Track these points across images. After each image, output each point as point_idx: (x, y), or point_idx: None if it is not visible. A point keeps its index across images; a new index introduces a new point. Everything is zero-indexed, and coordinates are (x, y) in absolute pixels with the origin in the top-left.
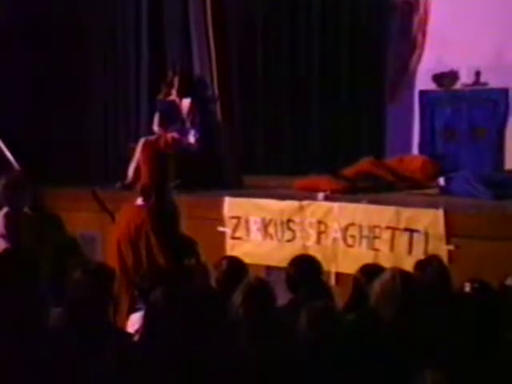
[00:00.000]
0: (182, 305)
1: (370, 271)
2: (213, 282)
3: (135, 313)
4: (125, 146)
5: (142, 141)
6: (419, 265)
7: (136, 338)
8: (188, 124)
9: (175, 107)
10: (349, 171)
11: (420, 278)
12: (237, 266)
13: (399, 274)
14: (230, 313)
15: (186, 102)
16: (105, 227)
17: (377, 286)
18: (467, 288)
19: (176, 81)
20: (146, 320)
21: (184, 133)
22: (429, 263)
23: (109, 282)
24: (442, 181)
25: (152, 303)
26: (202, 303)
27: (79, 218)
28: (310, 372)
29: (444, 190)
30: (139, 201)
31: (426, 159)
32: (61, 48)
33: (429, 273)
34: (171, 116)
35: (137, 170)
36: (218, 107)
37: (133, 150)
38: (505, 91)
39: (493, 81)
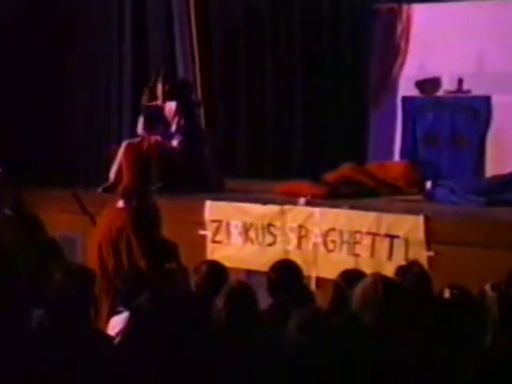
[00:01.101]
0: (168, 308)
1: (351, 276)
2: (193, 286)
3: (116, 315)
4: (107, 148)
5: (124, 143)
6: (400, 270)
7: (117, 340)
8: (172, 128)
9: (159, 111)
10: (330, 176)
11: (401, 284)
12: (217, 271)
13: (380, 279)
14: (213, 316)
15: (170, 106)
16: (86, 229)
17: (358, 290)
18: (446, 294)
19: (160, 84)
20: (131, 323)
21: (168, 136)
22: (410, 269)
23: (90, 284)
24: (429, 184)
25: (137, 307)
26: (186, 306)
27: (60, 220)
28: (297, 375)
29: (429, 195)
30: (121, 203)
31: (408, 165)
32: (42, 50)
33: (409, 278)
34: (155, 120)
35: (119, 172)
36: (201, 111)
37: (115, 153)
38: (487, 99)
39: (475, 88)
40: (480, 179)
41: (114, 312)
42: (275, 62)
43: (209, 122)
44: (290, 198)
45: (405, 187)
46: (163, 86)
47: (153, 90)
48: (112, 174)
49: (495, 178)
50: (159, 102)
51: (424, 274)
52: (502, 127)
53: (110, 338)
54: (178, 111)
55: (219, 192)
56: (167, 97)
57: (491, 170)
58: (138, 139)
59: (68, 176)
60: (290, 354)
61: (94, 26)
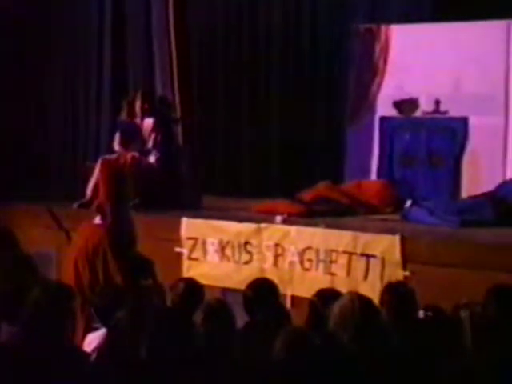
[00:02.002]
0: (147, 325)
1: (326, 295)
2: (169, 303)
3: (92, 332)
4: (84, 163)
5: (100, 159)
6: (389, 288)
7: (93, 357)
8: (149, 144)
9: (136, 127)
10: (306, 195)
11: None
12: (194, 288)
13: (358, 298)
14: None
15: (148, 122)
16: (60, 245)
17: (336, 309)
18: (421, 315)
19: (138, 100)
20: (108, 339)
21: (145, 153)
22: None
23: (68, 301)
24: (408, 203)
25: (115, 323)
26: (164, 323)
27: (35, 236)
28: None
29: (406, 215)
30: (97, 220)
31: (384, 184)
32: (20, 62)
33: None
34: (132, 136)
35: (95, 188)
36: (179, 128)
37: (92, 168)
38: (464, 120)
39: (452, 110)
40: (456, 199)
41: (89, 328)
42: (253, 80)
43: (187, 140)
44: (267, 217)
45: (381, 206)
46: (142, 102)
47: (131, 106)
48: (88, 190)
49: (470, 198)
50: (136, 119)
51: (409, 294)
52: (478, 148)
53: (87, 355)
54: (155, 127)
55: (196, 209)
56: (145, 113)
57: (467, 190)
58: (114, 155)
59: (43, 192)
60: (276, 371)
61: (73, 41)
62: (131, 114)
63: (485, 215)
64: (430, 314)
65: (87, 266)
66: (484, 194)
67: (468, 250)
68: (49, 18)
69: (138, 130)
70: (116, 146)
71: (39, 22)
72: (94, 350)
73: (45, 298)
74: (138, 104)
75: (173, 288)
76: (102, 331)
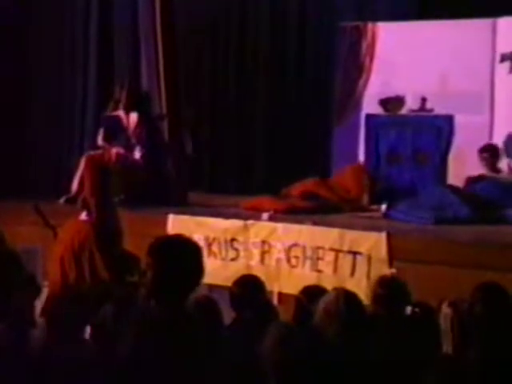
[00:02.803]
0: (132, 322)
1: (312, 292)
2: None
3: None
4: (69, 159)
5: (85, 155)
6: (382, 281)
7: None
8: (134, 139)
9: (120, 122)
10: (294, 190)
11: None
12: None
13: (343, 294)
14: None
15: (132, 117)
16: (47, 241)
17: (321, 305)
18: (408, 311)
19: (123, 96)
20: (93, 336)
21: (130, 148)
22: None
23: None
24: (383, 208)
25: (100, 320)
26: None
27: (21, 232)
28: None
29: (386, 216)
30: (83, 216)
31: (355, 168)
32: (4, 60)
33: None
34: (116, 131)
35: (80, 184)
36: (165, 124)
37: (77, 164)
38: (449, 118)
39: (438, 107)
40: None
41: None
42: (240, 77)
43: (173, 136)
44: (253, 213)
45: (355, 192)
46: (126, 97)
47: (116, 102)
48: (74, 186)
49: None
50: (121, 113)
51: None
52: (463, 146)
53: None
54: (139, 123)
55: (182, 205)
56: (129, 108)
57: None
58: (98, 151)
59: (29, 188)
60: (265, 367)
61: (59, 38)
62: (116, 109)
63: (459, 212)
64: (417, 310)
65: (73, 262)
66: (455, 191)
67: (454, 247)
68: (34, 16)
69: (120, 124)
70: (100, 141)
71: (24, 20)
72: None
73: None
74: (123, 99)
75: None
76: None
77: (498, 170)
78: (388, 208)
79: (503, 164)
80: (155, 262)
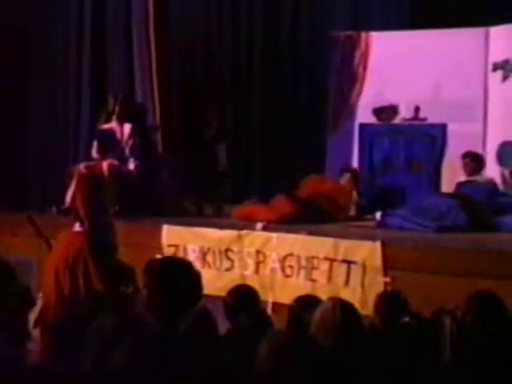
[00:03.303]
0: (132, 332)
1: (306, 302)
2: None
3: None
4: (63, 171)
5: (79, 167)
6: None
7: None
8: (127, 151)
9: (113, 135)
10: (302, 193)
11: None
12: None
13: (339, 303)
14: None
15: (126, 129)
16: (41, 253)
17: (317, 315)
18: (405, 321)
19: (117, 107)
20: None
21: (124, 160)
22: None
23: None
24: (378, 215)
25: (100, 330)
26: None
27: (15, 243)
28: None
29: (381, 224)
30: (77, 227)
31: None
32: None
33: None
34: (110, 143)
35: (74, 195)
36: (159, 135)
37: (71, 176)
38: (443, 127)
39: (431, 116)
40: (430, 204)
41: None
42: (234, 86)
43: (167, 147)
44: (248, 223)
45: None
46: (119, 108)
47: (109, 113)
48: (68, 197)
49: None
50: (114, 125)
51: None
52: (457, 154)
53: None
54: (132, 134)
55: (176, 216)
56: (123, 120)
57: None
58: (92, 163)
59: (23, 199)
60: (261, 376)
61: (52, 50)
62: (109, 120)
63: (458, 220)
64: (413, 321)
65: (68, 274)
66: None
67: (448, 255)
68: (27, 29)
69: (115, 137)
70: (94, 154)
71: (17, 32)
72: None
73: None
74: (116, 111)
75: None
76: None
77: (476, 175)
78: (383, 215)
79: (494, 172)
80: (150, 282)
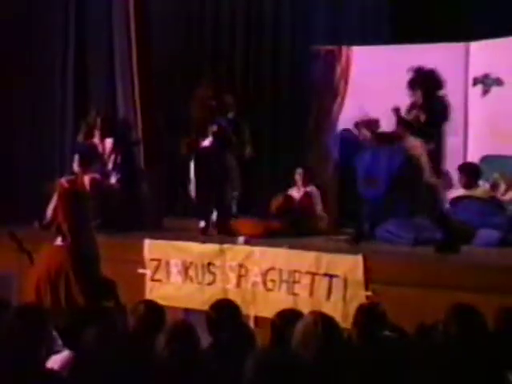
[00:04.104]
0: (114, 346)
1: (287, 316)
2: (130, 326)
3: (54, 354)
4: (46, 185)
5: (61, 181)
6: (362, 310)
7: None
8: (109, 165)
9: (95, 148)
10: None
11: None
12: (154, 311)
13: (321, 317)
14: (154, 356)
15: (108, 143)
16: (22, 267)
17: (299, 328)
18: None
19: (99, 122)
20: (76, 362)
21: (106, 174)
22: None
23: (43, 326)
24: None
25: (83, 345)
26: (130, 345)
27: None
28: None
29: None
30: (59, 241)
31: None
32: None
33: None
34: (91, 157)
35: (56, 209)
36: (141, 149)
37: (52, 190)
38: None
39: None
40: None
41: (50, 350)
42: (216, 100)
43: (150, 161)
44: (230, 237)
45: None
46: (101, 123)
47: (91, 127)
48: (49, 212)
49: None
50: (96, 140)
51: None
52: None
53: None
54: (114, 148)
55: (158, 230)
56: (105, 134)
57: None
58: (73, 177)
59: (5, 214)
60: None
61: (37, 66)
62: (90, 135)
63: (437, 235)
64: (393, 334)
65: (49, 288)
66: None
67: (428, 269)
68: (13, 43)
69: (96, 151)
70: (75, 167)
71: (2, 46)
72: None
73: (19, 323)
74: (98, 125)
75: (133, 311)
76: (65, 353)
77: (473, 187)
78: (371, 228)
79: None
80: None
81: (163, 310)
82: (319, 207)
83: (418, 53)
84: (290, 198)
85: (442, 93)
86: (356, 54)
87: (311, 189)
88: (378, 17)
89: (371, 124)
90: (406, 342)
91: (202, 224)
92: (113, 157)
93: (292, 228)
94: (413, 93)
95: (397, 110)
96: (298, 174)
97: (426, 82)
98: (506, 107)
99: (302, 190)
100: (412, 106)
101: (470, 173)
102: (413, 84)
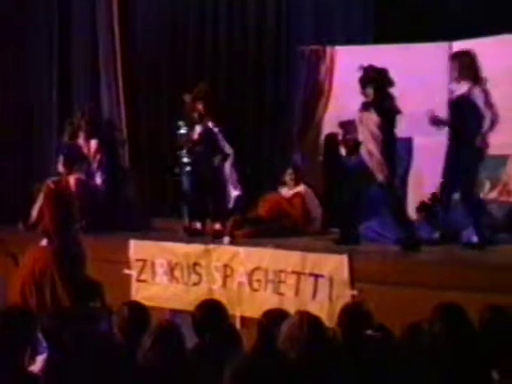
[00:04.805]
0: (92, 348)
1: (274, 316)
2: (115, 328)
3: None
4: (29, 185)
5: (47, 182)
6: (345, 310)
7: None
8: (94, 165)
9: (80, 149)
10: (262, 211)
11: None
12: (138, 312)
13: (306, 316)
14: (139, 357)
15: (92, 144)
16: (7, 270)
17: (285, 328)
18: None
19: (83, 122)
20: (53, 361)
21: (91, 174)
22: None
23: (30, 324)
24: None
25: (60, 345)
26: (109, 346)
27: None
28: None
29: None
30: (44, 242)
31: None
32: None
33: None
34: (75, 158)
35: (40, 211)
36: (126, 150)
37: (38, 191)
38: (408, 140)
39: (397, 130)
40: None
41: (36, 350)
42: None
43: (135, 162)
44: (212, 238)
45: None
46: (86, 123)
47: (76, 128)
48: (34, 212)
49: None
50: (81, 140)
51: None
52: (422, 168)
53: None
54: (99, 149)
55: (144, 231)
56: (89, 135)
57: (412, 209)
58: (58, 178)
59: None
60: None
61: (22, 68)
62: (74, 136)
63: (422, 234)
64: (377, 333)
65: (34, 289)
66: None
67: (413, 268)
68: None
69: (81, 151)
70: (60, 168)
71: None
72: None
73: (4, 325)
74: (83, 126)
75: (118, 312)
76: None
77: None
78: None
79: None
80: None
81: (147, 310)
82: (315, 205)
83: (402, 52)
84: (280, 200)
85: (392, 90)
86: (340, 54)
87: (302, 188)
88: (362, 17)
89: (347, 125)
90: (390, 341)
91: (187, 223)
92: (98, 157)
93: (281, 231)
94: (363, 91)
95: None
96: (289, 175)
97: (376, 79)
98: None
99: (293, 190)
100: (364, 106)
101: None
102: (364, 82)
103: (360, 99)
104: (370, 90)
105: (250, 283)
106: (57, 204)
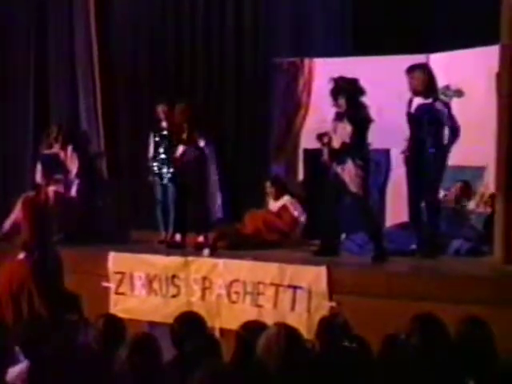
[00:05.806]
0: (69, 360)
1: (252, 327)
2: (91, 340)
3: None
4: (6, 197)
5: (22, 196)
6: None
7: None
8: (72, 174)
9: (57, 159)
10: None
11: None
12: (114, 324)
13: (284, 328)
14: (115, 368)
15: (68, 154)
16: None
17: (262, 340)
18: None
19: (60, 134)
20: (31, 374)
21: (68, 185)
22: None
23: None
24: (343, 236)
25: (40, 357)
26: (87, 358)
27: None
28: None
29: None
30: (21, 255)
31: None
32: None
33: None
34: (53, 168)
35: (14, 224)
36: (104, 162)
37: (14, 202)
38: (386, 152)
39: (375, 142)
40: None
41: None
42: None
43: (113, 174)
44: (194, 250)
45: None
46: (63, 135)
47: (50, 139)
48: (7, 224)
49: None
50: (56, 150)
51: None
52: (400, 179)
53: None
54: (74, 159)
55: (123, 243)
56: (65, 146)
57: (390, 220)
58: (35, 190)
59: None
60: None
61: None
62: (51, 146)
63: (403, 245)
64: (354, 345)
65: (11, 302)
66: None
67: (391, 279)
68: None
69: (58, 161)
70: (38, 179)
71: None
72: None
73: None
74: (59, 138)
75: (94, 324)
76: (24, 364)
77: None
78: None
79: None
80: None
81: (123, 323)
82: (301, 213)
83: (380, 65)
84: (265, 216)
85: (364, 99)
86: (319, 67)
87: (286, 200)
88: (340, 29)
89: (323, 136)
90: (367, 352)
91: (164, 235)
92: (74, 168)
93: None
94: (336, 102)
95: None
96: (268, 188)
97: (347, 89)
98: (467, 118)
99: (278, 203)
100: (337, 116)
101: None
102: (335, 93)
103: None
104: (342, 101)
105: (229, 295)
106: (35, 217)
